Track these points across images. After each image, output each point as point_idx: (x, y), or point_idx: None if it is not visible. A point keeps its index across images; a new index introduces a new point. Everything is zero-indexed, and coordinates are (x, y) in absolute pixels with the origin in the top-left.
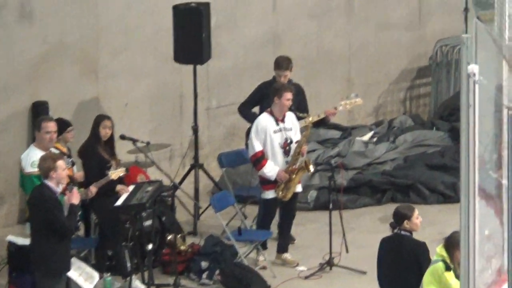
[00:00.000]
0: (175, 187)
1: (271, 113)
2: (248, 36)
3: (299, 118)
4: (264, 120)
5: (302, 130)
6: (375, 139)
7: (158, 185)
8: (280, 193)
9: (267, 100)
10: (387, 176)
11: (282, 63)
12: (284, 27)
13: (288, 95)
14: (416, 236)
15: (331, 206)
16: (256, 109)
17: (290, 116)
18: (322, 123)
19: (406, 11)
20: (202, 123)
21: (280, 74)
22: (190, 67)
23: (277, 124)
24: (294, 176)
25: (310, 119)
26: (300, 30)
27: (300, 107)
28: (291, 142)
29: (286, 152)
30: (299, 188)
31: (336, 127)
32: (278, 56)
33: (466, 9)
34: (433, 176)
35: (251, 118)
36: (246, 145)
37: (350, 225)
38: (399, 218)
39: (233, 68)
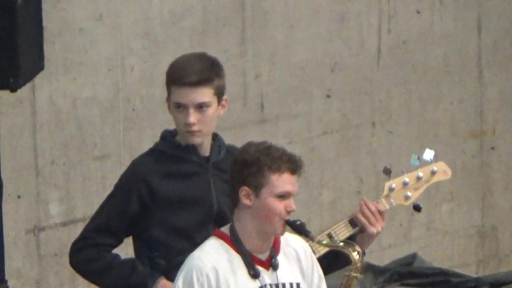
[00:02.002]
0: None
1: (233, 242)
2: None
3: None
4: (211, 263)
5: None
6: None
7: None
8: None
9: (173, 215)
10: None
11: (187, 75)
12: None
13: (285, 183)
14: None
15: None
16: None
17: (293, 247)
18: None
19: None
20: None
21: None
22: None
23: (254, 275)
24: None
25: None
26: None
27: None
28: None
29: None
30: None
31: (447, 278)
32: (181, 59)
33: None
34: None
35: (117, 274)
36: None
37: None
38: None
39: (111, 102)
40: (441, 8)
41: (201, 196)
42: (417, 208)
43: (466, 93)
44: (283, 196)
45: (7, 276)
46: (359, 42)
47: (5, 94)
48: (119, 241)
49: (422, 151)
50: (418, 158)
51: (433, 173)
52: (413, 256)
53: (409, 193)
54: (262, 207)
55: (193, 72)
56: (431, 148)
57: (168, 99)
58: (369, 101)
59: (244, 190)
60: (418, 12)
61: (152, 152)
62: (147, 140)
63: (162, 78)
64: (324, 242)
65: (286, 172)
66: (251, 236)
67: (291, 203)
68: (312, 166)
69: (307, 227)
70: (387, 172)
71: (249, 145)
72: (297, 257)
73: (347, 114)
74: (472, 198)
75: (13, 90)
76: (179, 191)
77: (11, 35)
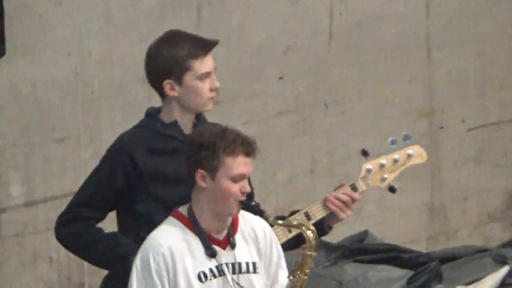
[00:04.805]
0: None
1: (190, 222)
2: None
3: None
4: (168, 243)
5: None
6: None
7: None
8: None
9: (153, 188)
10: None
11: (201, 45)
12: None
13: (239, 166)
14: None
15: None
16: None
17: (252, 227)
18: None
19: None
20: None
21: (194, 72)
22: None
23: (210, 254)
24: None
25: (308, 231)
26: None
27: None
28: None
29: None
30: None
31: (393, 255)
32: (171, 31)
33: None
34: None
35: (100, 246)
36: None
37: None
38: None
39: (71, 83)
40: None
41: (182, 173)
42: (392, 190)
43: (416, 74)
44: (238, 179)
45: None
46: (313, 24)
47: None
48: (104, 215)
49: (399, 134)
50: (395, 142)
51: (409, 156)
52: (365, 233)
53: (385, 175)
54: (218, 190)
55: (206, 39)
56: (383, 127)
57: (181, 79)
58: (322, 82)
59: (200, 173)
60: None
61: (137, 128)
62: (106, 122)
63: (121, 61)
64: (280, 222)
65: (241, 154)
66: (207, 217)
67: (245, 184)
68: (267, 146)
69: (262, 207)
70: (365, 154)
71: (204, 128)
72: (255, 237)
73: (301, 95)
74: (422, 176)
75: None
76: (162, 167)
77: None
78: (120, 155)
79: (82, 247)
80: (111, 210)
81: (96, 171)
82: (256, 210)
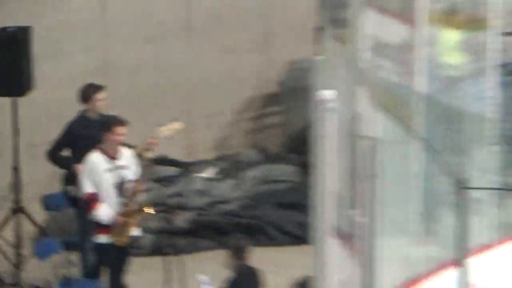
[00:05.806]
0: None
1: (102, 151)
2: (75, 64)
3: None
4: (94, 159)
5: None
6: (218, 176)
7: None
8: (115, 238)
9: (82, 141)
10: (232, 217)
11: (93, 88)
12: (116, 54)
13: (120, 130)
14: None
15: (168, 251)
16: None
17: (126, 153)
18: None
19: (251, 32)
20: (24, 163)
21: (95, 98)
22: (8, 100)
23: (109, 163)
24: (129, 219)
25: (149, 154)
26: (135, 56)
27: None
28: (126, 181)
29: (120, 193)
30: (136, 232)
31: (173, 163)
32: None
33: (320, 28)
34: (283, 216)
35: (64, 162)
36: (65, 193)
37: (190, 272)
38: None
39: (59, 100)
40: (161, 63)
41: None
42: (169, 138)
43: (175, 108)
44: (120, 134)
45: None
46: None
47: (18, 99)
48: (62, 151)
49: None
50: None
51: (175, 125)
52: (164, 156)
53: (166, 133)
54: (112, 139)
55: (97, 88)
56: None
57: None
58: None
59: (108, 134)
60: None
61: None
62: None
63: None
64: (134, 149)
65: (119, 126)
66: (107, 148)
67: (123, 137)
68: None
69: (132, 144)
70: (159, 125)
71: (106, 117)
72: (127, 156)
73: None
74: (182, 136)
75: (22, 96)
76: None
77: (21, 76)
78: (69, 132)
79: (57, 163)
80: (65, 148)
81: (62, 136)
82: (128, 146)
